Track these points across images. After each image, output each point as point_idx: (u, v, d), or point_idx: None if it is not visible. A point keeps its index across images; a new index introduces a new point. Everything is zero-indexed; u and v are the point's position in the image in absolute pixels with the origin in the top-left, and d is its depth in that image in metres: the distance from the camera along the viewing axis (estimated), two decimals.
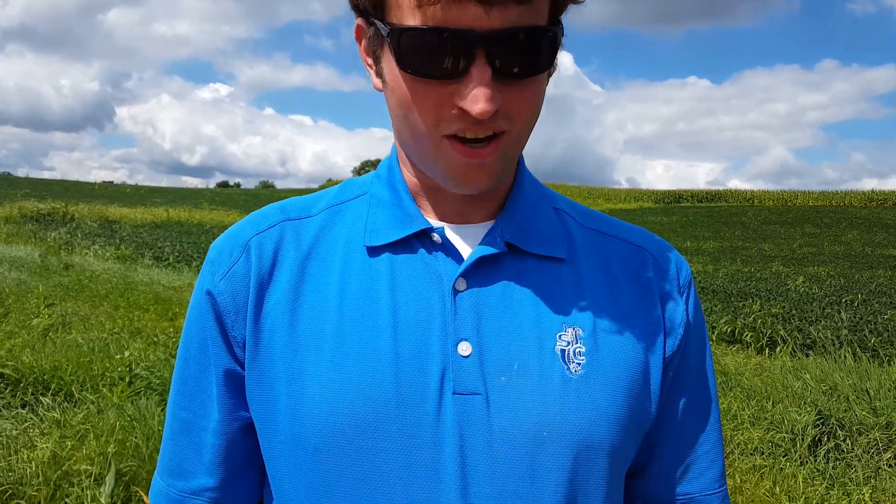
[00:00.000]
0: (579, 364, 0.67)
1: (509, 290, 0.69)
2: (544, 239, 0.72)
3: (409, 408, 0.64)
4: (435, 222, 0.71)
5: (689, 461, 0.76)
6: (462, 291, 0.68)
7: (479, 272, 0.69)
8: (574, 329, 0.69)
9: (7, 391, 4.18)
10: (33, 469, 3.03)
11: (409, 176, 0.73)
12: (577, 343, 0.68)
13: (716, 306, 9.73)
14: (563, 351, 0.67)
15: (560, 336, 0.68)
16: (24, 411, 3.86)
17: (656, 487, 0.77)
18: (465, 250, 0.70)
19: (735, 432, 4.20)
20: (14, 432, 3.50)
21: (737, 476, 3.55)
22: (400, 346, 0.66)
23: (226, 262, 0.71)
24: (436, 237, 0.69)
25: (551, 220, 0.74)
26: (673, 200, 50.21)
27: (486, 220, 0.72)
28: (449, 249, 0.70)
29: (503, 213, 0.71)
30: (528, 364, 0.66)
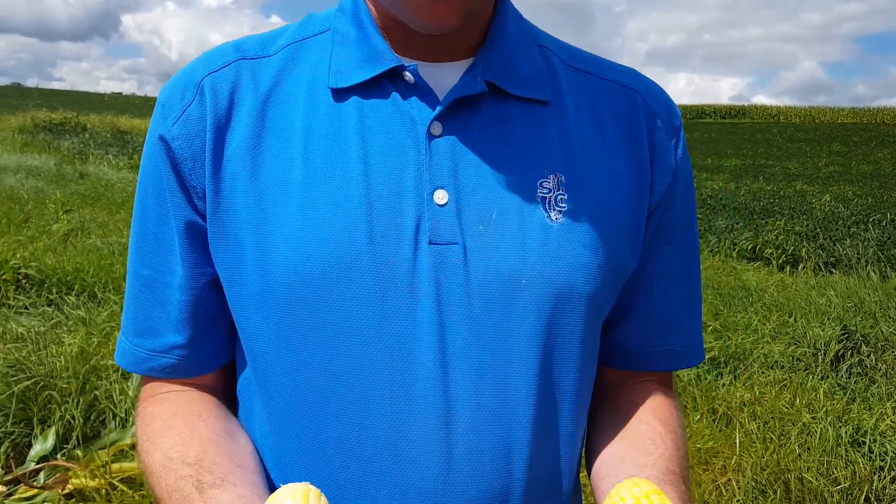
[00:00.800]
0: (560, 212, 0.65)
1: (489, 135, 0.65)
2: (528, 79, 0.67)
3: (383, 256, 0.61)
4: (407, 60, 0.65)
5: (668, 313, 0.75)
6: (437, 136, 0.63)
7: (457, 115, 0.64)
8: (556, 176, 0.65)
9: (32, 291, 4.23)
10: (62, 363, 3.09)
11: (375, 8, 0.66)
12: (558, 190, 0.65)
13: (737, 223, 9.61)
14: (543, 198, 0.64)
15: (541, 183, 0.65)
16: (50, 309, 3.91)
17: (633, 338, 0.75)
18: (441, 90, 0.65)
19: (755, 346, 4.18)
20: (42, 329, 3.55)
21: (755, 389, 3.56)
22: (372, 194, 0.61)
23: (178, 104, 0.65)
24: (408, 76, 0.64)
25: (535, 59, 0.69)
26: (695, 116, 49.10)
27: (464, 58, 0.67)
28: (423, 90, 0.64)
29: (483, 49, 0.66)
30: (508, 212, 0.63)
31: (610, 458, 0.69)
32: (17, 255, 4.45)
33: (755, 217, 10.25)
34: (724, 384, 3.58)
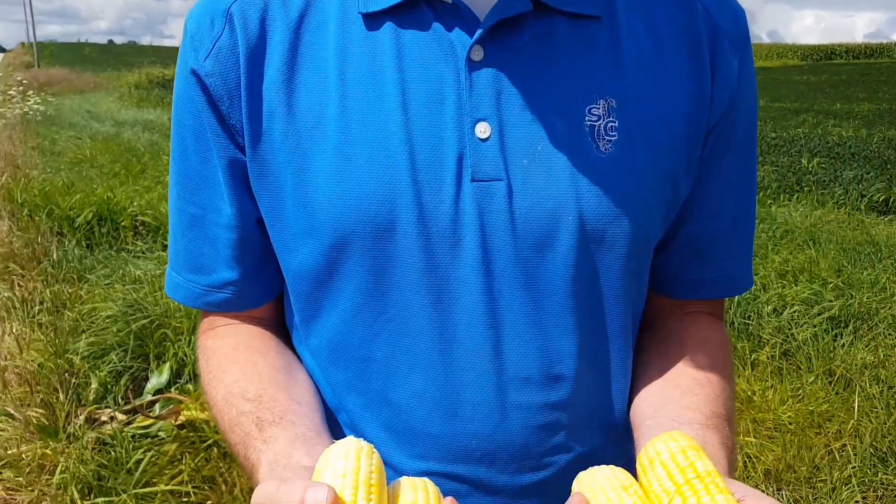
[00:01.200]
0: (610, 141, 0.61)
1: (533, 59, 0.60)
2: None
3: (426, 197, 0.58)
4: None
5: (719, 238, 0.71)
6: (478, 63, 0.59)
7: (499, 38, 0.60)
8: (607, 101, 0.61)
9: (149, 237, 4.52)
10: (175, 304, 3.28)
11: None
12: (608, 117, 0.61)
13: (868, 173, 8.84)
14: (592, 127, 0.60)
15: (591, 110, 0.60)
16: (164, 254, 4.16)
17: (682, 264, 0.70)
18: (482, 11, 0.60)
19: (882, 305, 3.84)
20: (157, 272, 3.78)
21: (880, 351, 3.28)
22: (412, 130, 0.58)
23: (207, 36, 0.61)
24: None
25: None
26: (823, 57, 45.32)
27: None
28: (462, 11, 0.60)
29: None
30: (554, 144, 0.60)
31: (651, 397, 0.67)
32: (135, 204, 4.74)
33: (889, 167, 9.40)
34: (843, 345, 3.32)
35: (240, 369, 0.66)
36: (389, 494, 0.51)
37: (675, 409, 0.63)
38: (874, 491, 2.34)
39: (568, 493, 0.54)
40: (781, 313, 3.57)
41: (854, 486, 2.32)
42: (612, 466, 0.55)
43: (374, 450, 0.51)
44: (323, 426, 0.62)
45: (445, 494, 0.54)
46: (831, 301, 3.77)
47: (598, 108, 0.61)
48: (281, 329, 0.74)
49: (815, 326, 3.46)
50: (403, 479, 0.52)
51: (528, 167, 0.59)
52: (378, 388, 0.64)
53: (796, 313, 3.58)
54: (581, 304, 0.62)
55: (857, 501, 2.28)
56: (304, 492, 0.44)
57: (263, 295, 0.71)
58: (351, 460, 0.49)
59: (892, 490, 2.33)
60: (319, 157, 0.60)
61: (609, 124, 0.61)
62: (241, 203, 0.65)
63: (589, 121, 0.60)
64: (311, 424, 0.61)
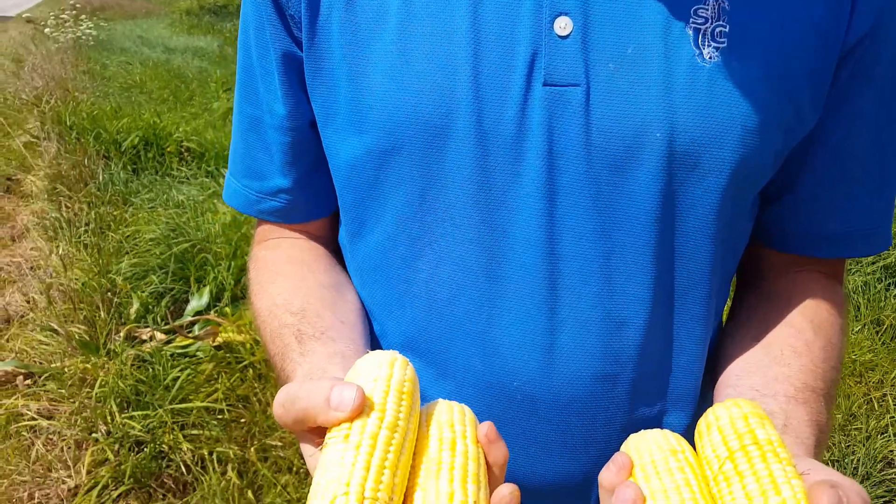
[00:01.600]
0: (717, 48, 0.51)
1: None
2: None
3: (488, 101, 0.50)
4: None
5: (850, 184, 0.59)
6: None
7: None
8: (718, 2, 0.51)
9: (193, 163, 4.57)
10: (217, 230, 3.33)
11: None
12: (718, 20, 0.51)
13: None
14: (697, 30, 0.51)
15: (697, 10, 0.51)
16: (207, 180, 4.21)
17: (801, 214, 0.59)
18: None
19: None
20: (200, 198, 3.84)
21: None
22: (480, 22, 0.50)
23: None
24: None
25: None
26: None
27: None
28: None
29: None
30: (649, 47, 0.51)
31: (739, 364, 0.58)
32: (181, 130, 4.78)
33: None
34: (895, 295, 3.18)
35: (288, 282, 0.64)
36: (424, 412, 0.48)
37: (760, 379, 0.55)
38: None
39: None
40: None
41: (890, 436, 2.26)
42: (666, 431, 0.49)
43: (409, 363, 0.48)
44: (365, 347, 0.59)
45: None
46: (890, 250, 3.61)
47: (707, 10, 0.51)
48: (336, 250, 0.72)
49: (868, 275, 3.31)
50: (441, 400, 0.50)
51: (613, 72, 0.51)
52: (416, 315, 0.59)
53: (850, 261, 3.44)
54: (661, 240, 0.54)
55: (891, 450, 2.22)
56: (331, 389, 0.41)
57: (317, 208, 0.68)
58: (384, 368, 0.46)
59: None
60: (378, 51, 0.54)
61: (718, 29, 0.52)
62: (296, 102, 0.61)
63: (694, 23, 0.51)
64: (351, 343, 0.57)
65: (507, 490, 0.43)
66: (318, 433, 0.44)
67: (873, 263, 3.42)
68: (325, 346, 0.56)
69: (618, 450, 0.52)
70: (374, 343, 0.65)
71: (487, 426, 0.46)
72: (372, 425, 0.42)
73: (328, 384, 0.42)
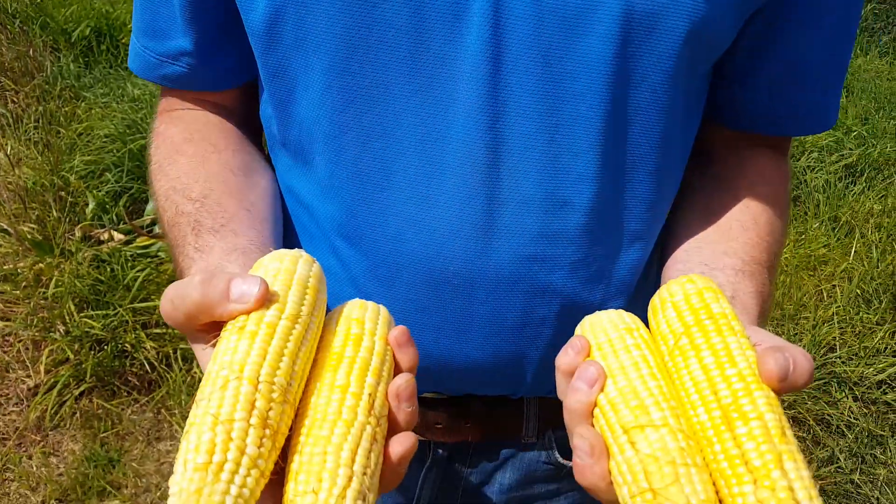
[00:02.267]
0: None
1: None
2: None
3: None
4: None
5: (810, 61, 0.56)
6: None
7: None
8: None
9: None
10: None
11: None
12: None
13: None
14: None
15: None
16: None
17: (759, 90, 0.57)
18: None
19: None
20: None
21: (889, 200, 3.20)
22: None
23: None
24: None
25: None
26: None
27: None
28: None
29: None
30: None
31: (687, 240, 0.57)
32: None
33: None
34: (853, 193, 3.24)
35: (187, 163, 0.59)
36: (336, 311, 0.47)
37: (709, 254, 0.54)
38: (853, 328, 2.38)
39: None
40: (799, 159, 3.45)
41: (835, 324, 2.36)
42: (620, 311, 0.49)
43: (316, 261, 0.46)
44: (272, 241, 0.55)
45: (416, 330, 0.48)
46: (852, 149, 3.62)
47: None
48: (251, 129, 0.66)
49: (830, 174, 3.35)
50: (356, 299, 0.48)
51: None
52: (346, 196, 0.54)
53: (813, 160, 3.46)
54: (612, 112, 0.50)
55: (834, 337, 2.33)
56: (230, 282, 0.39)
57: (223, 76, 0.62)
58: (287, 262, 0.44)
59: (869, 327, 2.38)
60: None
61: None
62: None
63: None
64: (255, 236, 0.53)
65: (403, 379, 0.43)
66: (210, 329, 0.43)
67: (836, 163, 3.45)
68: (224, 239, 0.52)
69: (554, 332, 0.52)
70: (305, 233, 0.61)
71: (399, 330, 0.44)
72: (271, 316, 0.41)
73: (226, 277, 0.40)
